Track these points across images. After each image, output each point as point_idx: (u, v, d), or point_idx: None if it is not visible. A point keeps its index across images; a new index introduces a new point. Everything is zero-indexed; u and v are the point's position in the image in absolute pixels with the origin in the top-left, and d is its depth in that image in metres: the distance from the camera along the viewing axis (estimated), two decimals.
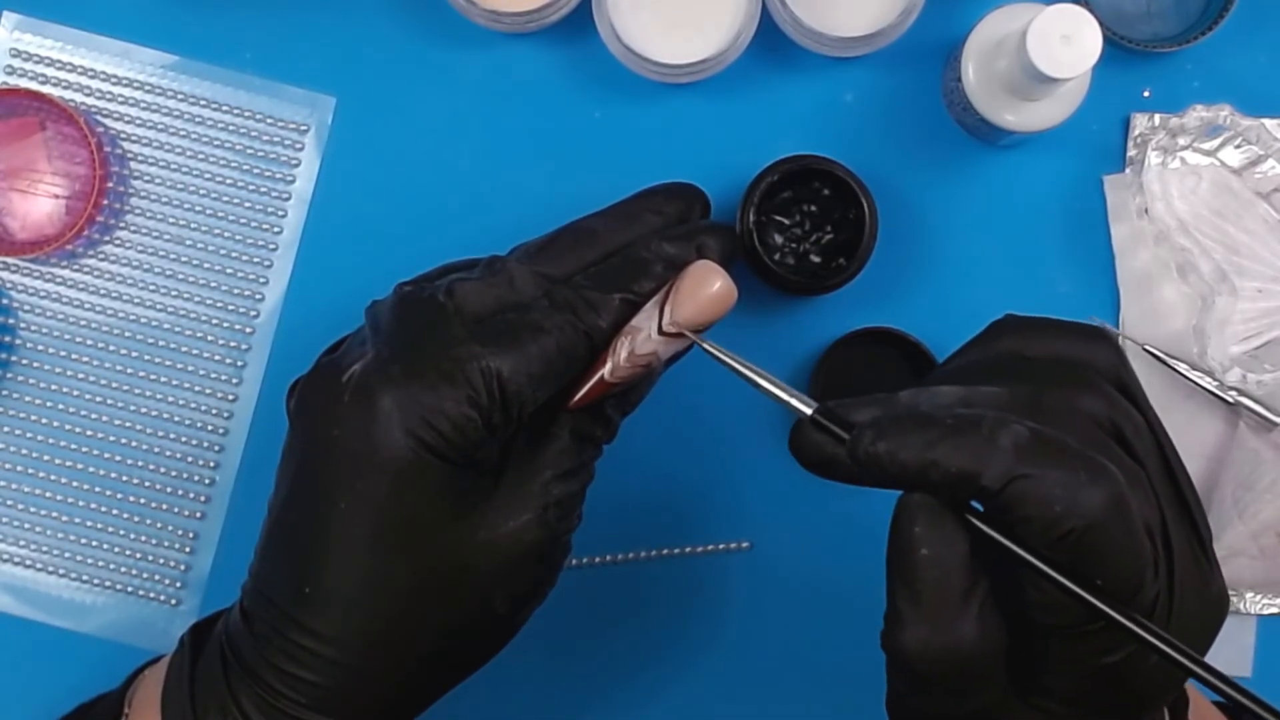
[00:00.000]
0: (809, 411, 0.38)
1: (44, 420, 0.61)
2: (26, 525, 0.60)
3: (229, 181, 0.61)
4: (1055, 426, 0.34)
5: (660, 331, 0.44)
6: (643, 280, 0.46)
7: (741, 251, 0.56)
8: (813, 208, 0.57)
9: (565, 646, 0.59)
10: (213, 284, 0.61)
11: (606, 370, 0.46)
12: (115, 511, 0.60)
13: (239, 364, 0.61)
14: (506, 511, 0.45)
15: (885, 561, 0.36)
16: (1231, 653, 0.59)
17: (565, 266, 0.47)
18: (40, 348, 0.61)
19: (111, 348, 0.61)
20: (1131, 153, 0.59)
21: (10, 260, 0.60)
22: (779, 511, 0.59)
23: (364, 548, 0.43)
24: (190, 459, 0.60)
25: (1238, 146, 0.59)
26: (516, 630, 0.48)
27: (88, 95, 0.61)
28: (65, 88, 0.61)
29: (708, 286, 0.44)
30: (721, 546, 0.59)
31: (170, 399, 0.60)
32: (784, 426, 0.59)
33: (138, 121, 0.61)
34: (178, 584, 0.60)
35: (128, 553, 0.60)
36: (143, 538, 0.60)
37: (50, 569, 0.60)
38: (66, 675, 0.59)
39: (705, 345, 0.43)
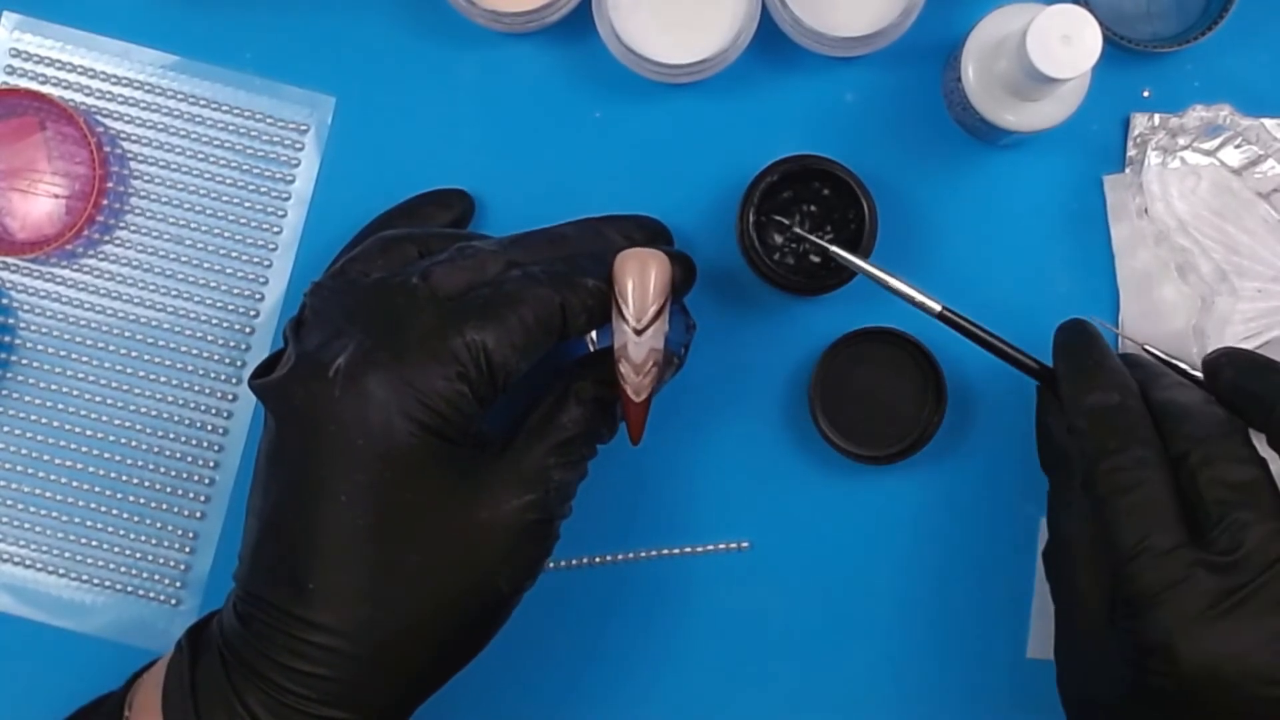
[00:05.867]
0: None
1: (44, 420, 0.61)
2: (26, 525, 0.60)
3: (229, 181, 0.61)
4: None
5: (637, 332, 0.46)
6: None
7: (743, 252, 0.56)
8: (813, 208, 0.57)
9: (563, 646, 0.59)
10: (213, 284, 0.61)
11: (631, 393, 0.47)
12: (115, 511, 0.60)
13: (239, 364, 0.60)
14: (509, 491, 0.45)
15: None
16: None
17: (535, 259, 0.48)
18: (40, 348, 0.61)
19: (111, 348, 0.61)
20: (1131, 153, 0.59)
21: (10, 260, 0.60)
22: (779, 511, 0.59)
23: (369, 537, 0.43)
24: (190, 459, 0.60)
25: (1238, 146, 0.59)
26: (512, 611, 0.48)
27: (88, 95, 0.61)
28: (65, 88, 0.61)
29: (643, 270, 0.46)
30: (721, 546, 0.59)
31: (170, 399, 0.60)
32: (785, 426, 0.59)
33: (138, 121, 0.61)
34: (178, 584, 0.60)
35: (128, 553, 0.60)
36: (143, 538, 0.60)
37: (50, 569, 0.60)
38: (66, 675, 0.59)
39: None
